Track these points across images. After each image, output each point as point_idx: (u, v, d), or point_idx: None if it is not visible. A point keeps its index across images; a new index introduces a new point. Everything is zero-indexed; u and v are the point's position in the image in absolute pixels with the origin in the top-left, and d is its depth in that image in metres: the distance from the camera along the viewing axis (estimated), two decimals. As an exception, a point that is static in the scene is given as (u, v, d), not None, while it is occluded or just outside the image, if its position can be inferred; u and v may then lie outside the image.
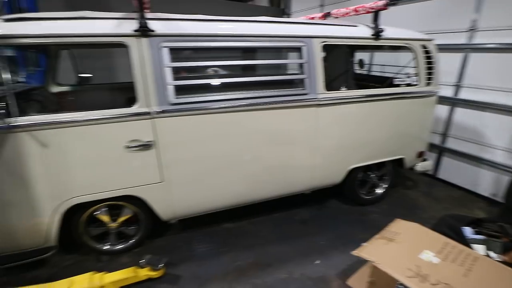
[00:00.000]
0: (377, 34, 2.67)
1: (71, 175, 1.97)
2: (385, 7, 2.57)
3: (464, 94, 3.62)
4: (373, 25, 2.72)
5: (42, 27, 1.75)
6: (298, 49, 2.40)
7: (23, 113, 1.82)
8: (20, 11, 3.32)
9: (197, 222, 2.82)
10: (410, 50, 2.90)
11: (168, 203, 2.30)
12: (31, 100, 2.43)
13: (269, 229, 2.82)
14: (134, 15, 1.96)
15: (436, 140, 3.97)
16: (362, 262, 2.25)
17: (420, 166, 3.33)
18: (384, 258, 1.88)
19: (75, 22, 1.83)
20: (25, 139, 1.81)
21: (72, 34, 1.78)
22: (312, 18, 3.40)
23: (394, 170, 3.29)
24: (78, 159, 1.96)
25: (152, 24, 1.94)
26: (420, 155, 3.30)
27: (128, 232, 2.44)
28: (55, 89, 3.02)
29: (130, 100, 2.01)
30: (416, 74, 2.98)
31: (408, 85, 3.01)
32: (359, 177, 3.07)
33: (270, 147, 2.49)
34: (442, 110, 3.84)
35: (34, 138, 1.82)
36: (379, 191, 3.31)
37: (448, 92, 3.74)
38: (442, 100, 3.77)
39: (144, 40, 1.93)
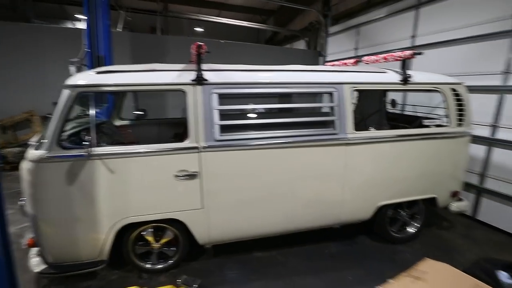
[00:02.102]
0: (405, 80, 2.86)
1: (129, 197, 2.33)
2: (412, 56, 2.79)
3: (502, 135, 3.58)
4: (401, 71, 2.93)
5: (123, 78, 2.24)
6: (330, 94, 2.67)
7: (98, 144, 2.26)
8: (99, 59, 4.05)
9: (229, 249, 3.02)
10: (440, 93, 3.03)
11: (206, 228, 2.55)
12: (101, 132, 2.92)
13: (298, 260, 2.92)
14: (190, 66, 2.39)
15: (474, 180, 3.87)
16: (389, 300, 2.26)
17: (455, 206, 3.28)
18: (411, 295, 1.92)
19: (147, 74, 2.31)
20: (98, 166, 2.22)
21: (146, 83, 2.26)
22: (345, 64, 3.69)
23: (427, 209, 3.27)
24: (136, 184, 2.32)
25: (205, 74, 2.35)
26: (454, 195, 3.26)
27: (168, 253, 2.70)
28: (118, 122, 3.56)
29: (177, 135, 2.36)
30: (447, 115, 3.07)
31: (439, 125, 3.09)
32: (388, 215, 3.10)
33: (301, 182, 2.69)
34: (479, 150, 3.80)
35: (105, 165, 2.23)
36: (410, 229, 3.29)
37: (484, 132, 3.72)
38: (478, 140, 3.75)
39: (199, 88, 2.35)
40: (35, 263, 2.33)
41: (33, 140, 2.44)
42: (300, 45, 9.45)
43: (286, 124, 2.61)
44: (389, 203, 3.01)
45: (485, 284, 2.06)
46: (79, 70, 2.96)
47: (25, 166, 2.19)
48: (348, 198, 2.84)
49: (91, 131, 2.14)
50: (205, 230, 2.55)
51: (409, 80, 2.90)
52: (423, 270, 2.19)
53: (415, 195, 3.09)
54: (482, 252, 3.13)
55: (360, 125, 2.81)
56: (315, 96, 3.59)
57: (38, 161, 2.10)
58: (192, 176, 2.39)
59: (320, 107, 3.97)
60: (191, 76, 2.34)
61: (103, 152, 2.21)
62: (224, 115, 2.47)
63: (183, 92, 2.33)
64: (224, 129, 2.43)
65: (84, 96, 2.22)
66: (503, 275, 2.25)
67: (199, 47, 2.20)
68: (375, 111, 3.94)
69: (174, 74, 2.35)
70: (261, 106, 2.60)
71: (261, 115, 2.84)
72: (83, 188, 2.23)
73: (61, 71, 5.58)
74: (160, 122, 3.88)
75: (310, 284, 2.58)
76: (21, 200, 2.30)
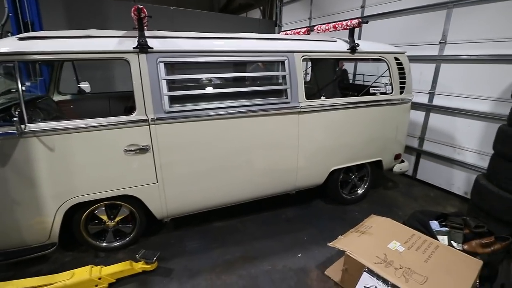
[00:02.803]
0: (352, 49, 2.95)
1: (74, 176, 2.18)
2: (358, 25, 2.86)
3: (437, 101, 3.94)
4: (349, 40, 3.00)
5: (53, 45, 1.98)
6: (281, 63, 2.66)
7: (32, 120, 2.04)
8: (24, 25, 3.53)
9: (189, 221, 3.03)
10: (384, 62, 3.19)
11: (162, 202, 2.50)
12: (37, 108, 2.63)
13: (257, 226, 3.04)
14: (134, 33, 2.20)
15: (415, 143, 4.26)
16: (339, 255, 2.48)
17: (398, 168, 3.60)
18: (356, 248, 2.12)
19: (82, 40, 2.07)
20: (34, 144, 2.02)
21: (80, 51, 2.03)
22: (298, 33, 3.68)
23: (374, 172, 3.55)
24: (81, 162, 2.17)
25: (150, 42, 2.18)
26: (397, 157, 3.57)
27: (124, 230, 2.64)
28: (57, 97, 3.23)
29: (127, 109, 2.23)
30: (390, 83, 3.26)
31: (383, 93, 3.28)
32: (340, 178, 3.32)
33: (256, 151, 2.72)
34: (419, 116, 4.15)
35: (42, 142, 2.03)
36: (359, 191, 3.57)
37: (424, 99, 4.05)
38: (418, 106, 4.08)
39: (143, 56, 2.18)
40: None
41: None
42: (255, 14, 9.19)
43: (239, 94, 2.57)
44: (341, 168, 3.20)
45: (420, 233, 2.34)
46: (1, 37, 2.58)
47: None
48: (303, 164, 2.95)
49: (21, 105, 1.91)
50: (161, 204, 2.50)
51: (356, 49, 2.99)
52: (368, 225, 2.42)
53: (364, 159, 3.32)
54: (419, 206, 3.53)
55: (315, 95, 2.87)
56: (273, 65, 3.58)
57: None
58: (143, 150, 2.29)
59: (276, 76, 4.00)
60: (134, 43, 2.16)
61: (38, 128, 2.00)
62: (176, 86, 2.35)
63: (126, 61, 2.15)
64: (175, 100, 2.33)
65: (5, 66, 1.94)
66: (434, 224, 2.57)
67: (139, 10, 2.01)
68: (329, 81, 4.06)
69: (114, 41, 2.14)
70: (213, 76, 2.51)
71: (214, 85, 2.77)
72: (19, 169, 2.03)
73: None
74: (109, 96, 3.60)
75: (268, 246, 2.72)
76: None
